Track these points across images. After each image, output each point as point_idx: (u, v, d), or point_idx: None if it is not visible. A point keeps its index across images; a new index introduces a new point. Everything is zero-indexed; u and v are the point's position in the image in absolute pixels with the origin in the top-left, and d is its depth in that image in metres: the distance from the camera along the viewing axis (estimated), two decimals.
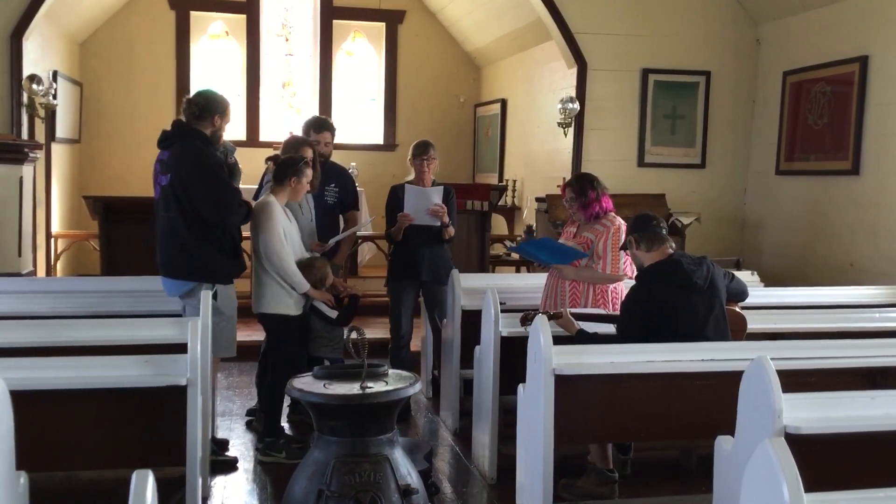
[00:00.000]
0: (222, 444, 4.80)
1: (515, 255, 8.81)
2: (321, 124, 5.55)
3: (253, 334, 6.39)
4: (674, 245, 4.08)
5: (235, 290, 4.73)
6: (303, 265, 4.67)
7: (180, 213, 4.43)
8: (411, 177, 5.58)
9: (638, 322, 3.92)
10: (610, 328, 4.16)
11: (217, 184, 4.44)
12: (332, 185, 5.45)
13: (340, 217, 5.60)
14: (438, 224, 5.38)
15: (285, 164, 4.69)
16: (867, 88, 6.84)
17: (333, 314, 4.72)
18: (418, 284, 5.58)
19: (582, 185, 4.78)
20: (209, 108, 4.53)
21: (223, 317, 4.47)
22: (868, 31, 6.88)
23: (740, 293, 4.25)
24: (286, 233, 4.60)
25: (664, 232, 4.05)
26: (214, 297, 4.42)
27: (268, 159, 4.84)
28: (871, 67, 6.82)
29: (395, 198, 5.48)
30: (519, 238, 8.94)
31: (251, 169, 8.04)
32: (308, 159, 4.81)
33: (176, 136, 4.51)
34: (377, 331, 7.04)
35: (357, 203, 5.73)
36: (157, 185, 4.54)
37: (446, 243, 5.54)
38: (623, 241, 4.37)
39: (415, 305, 5.69)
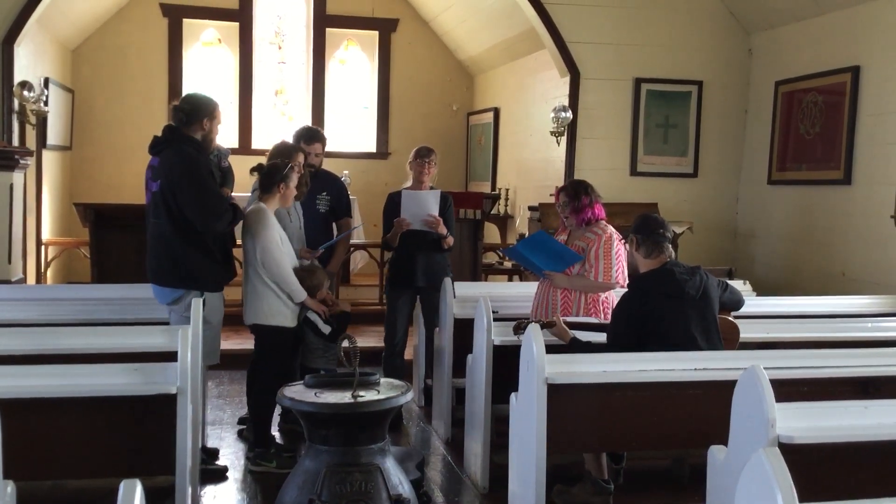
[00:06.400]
0: (212, 453, 4.76)
1: (508, 264, 8.81)
2: (312, 135, 5.50)
3: (244, 342, 6.36)
4: (672, 254, 4.07)
5: (224, 298, 4.70)
6: (301, 273, 4.64)
7: (169, 220, 4.40)
8: (408, 184, 5.56)
9: (628, 329, 3.91)
10: (602, 337, 4.15)
11: (204, 191, 4.39)
12: (324, 193, 5.43)
13: (334, 225, 5.58)
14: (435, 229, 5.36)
15: (271, 171, 4.62)
16: (859, 98, 6.87)
17: (327, 329, 4.68)
18: (415, 291, 5.56)
19: (576, 189, 4.80)
20: (196, 112, 4.49)
21: (209, 325, 4.43)
22: (859, 42, 6.91)
23: (736, 303, 4.26)
24: (282, 239, 4.57)
25: (666, 241, 4.04)
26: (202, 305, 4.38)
27: (252, 170, 4.78)
28: (862, 77, 6.85)
29: (393, 204, 5.45)
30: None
31: (244, 177, 8.01)
32: (294, 164, 4.74)
33: (166, 141, 4.48)
34: (370, 339, 7.02)
35: (350, 210, 5.70)
36: (148, 191, 4.53)
37: (445, 252, 5.52)
38: (622, 241, 4.37)
39: (411, 313, 5.68)
